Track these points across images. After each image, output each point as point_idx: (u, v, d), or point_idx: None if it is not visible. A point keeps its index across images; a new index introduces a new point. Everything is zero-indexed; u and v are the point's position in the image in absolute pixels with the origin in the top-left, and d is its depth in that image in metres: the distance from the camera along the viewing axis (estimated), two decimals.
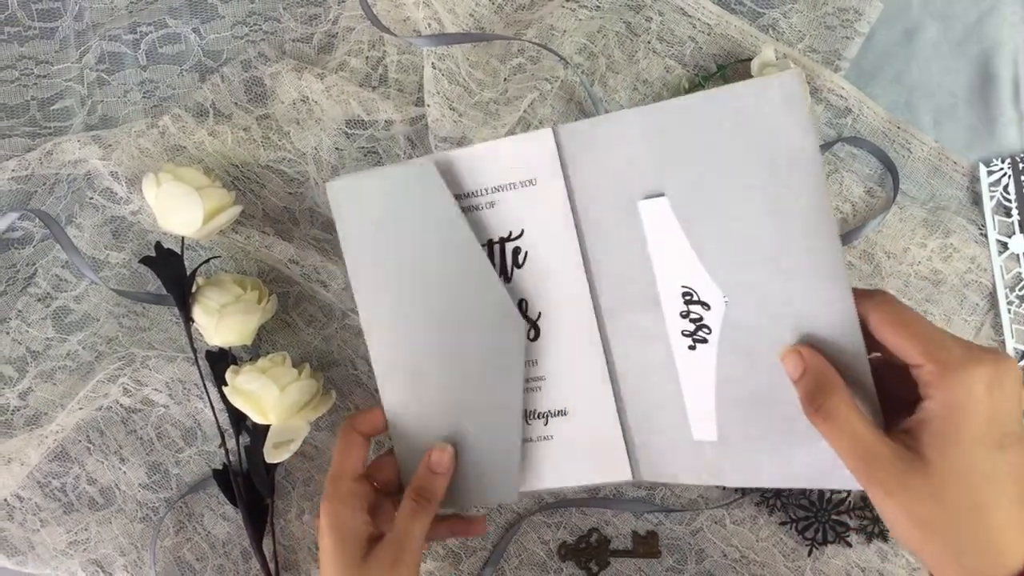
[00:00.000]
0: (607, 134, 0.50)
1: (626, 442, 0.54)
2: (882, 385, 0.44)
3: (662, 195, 0.49)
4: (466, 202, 0.54)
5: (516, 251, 0.55)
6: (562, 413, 0.55)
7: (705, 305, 0.49)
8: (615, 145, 0.50)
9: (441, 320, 0.55)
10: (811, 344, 0.45)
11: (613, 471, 0.55)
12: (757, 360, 0.48)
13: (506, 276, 0.55)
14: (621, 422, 0.54)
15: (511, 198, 0.54)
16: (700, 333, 0.50)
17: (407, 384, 0.57)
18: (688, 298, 0.50)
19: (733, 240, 0.47)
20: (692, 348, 0.50)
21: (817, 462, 0.47)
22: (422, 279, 0.55)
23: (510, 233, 0.54)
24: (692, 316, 0.50)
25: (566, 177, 0.52)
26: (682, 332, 0.50)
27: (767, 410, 0.48)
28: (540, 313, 0.55)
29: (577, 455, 0.55)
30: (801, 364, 0.45)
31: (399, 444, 0.57)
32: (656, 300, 0.51)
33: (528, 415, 0.56)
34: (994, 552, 0.41)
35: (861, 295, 0.44)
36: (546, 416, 0.56)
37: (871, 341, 0.44)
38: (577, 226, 0.53)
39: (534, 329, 0.55)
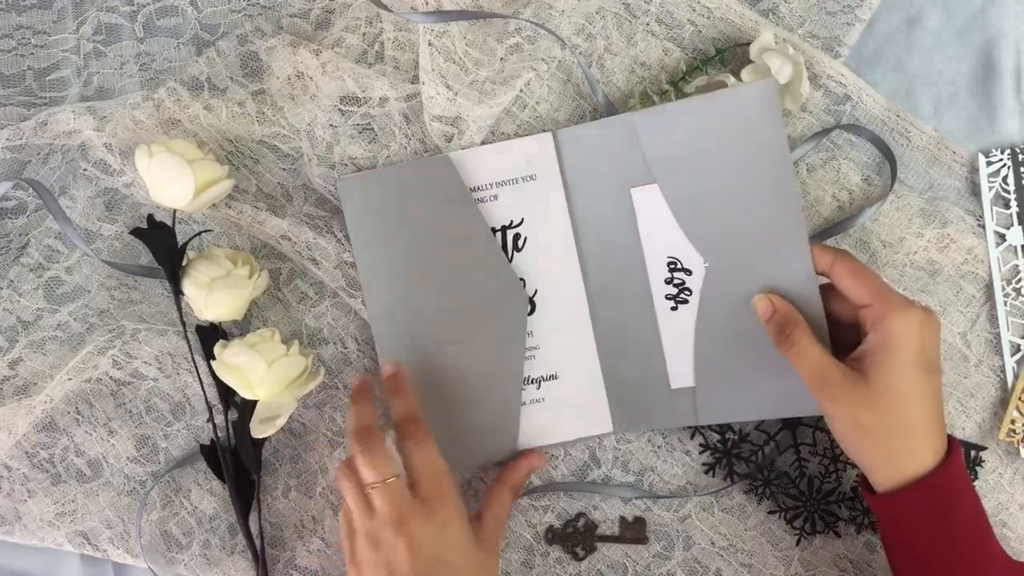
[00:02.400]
0: (600, 135, 0.61)
1: (608, 399, 0.64)
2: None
3: (653, 183, 0.60)
4: (473, 195, 0.63)
5: (516, 237, 0.64)
6: (553, 377, 0.64)
7: (688, 271, 0.61)
8: (608, 145, 0.61)
9: (451, 301, 0.63)
10: (777, 293, 0.57)
11: (597, 425, 0.64)
12: (732, 313, 0.59)
13: (507, 259, 0.64)
14: (604, 381, 0.64)
15: (512, 191, 0.63)
16: (682, 295, 0.61)
17: (413, 356, 0.64)
18: (672, 266, 0.61)
19: (714, 216, 0.59)
20: (674, 309, 0.61)
21: (782, 394, 0.59)
22: (434, 265, 0.63)
23: (511, 221, 0.64)
24: (675, 281, 0.61)
25: (563, 173, 0.63)
26: (665, 296, 0.61)
27: (739, 354, 0.60)
28: (536, 290, 0.64)
29: (566, 413, 0.64)
30: (770, 307, 0.57)
31: None
32: (643, 270, 0.62)
33: (523, 381, 0.64)
34: (916, 454, 0.52)
35: (828, 251, 0.56)
36: (539, 381, 0.64)
37: (828, 295, 0.57)
38: (571, 214, 0.63)
39: (530, 304, 0.64)
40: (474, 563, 0.56)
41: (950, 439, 0.54)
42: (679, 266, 0.60)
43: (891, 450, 0.53)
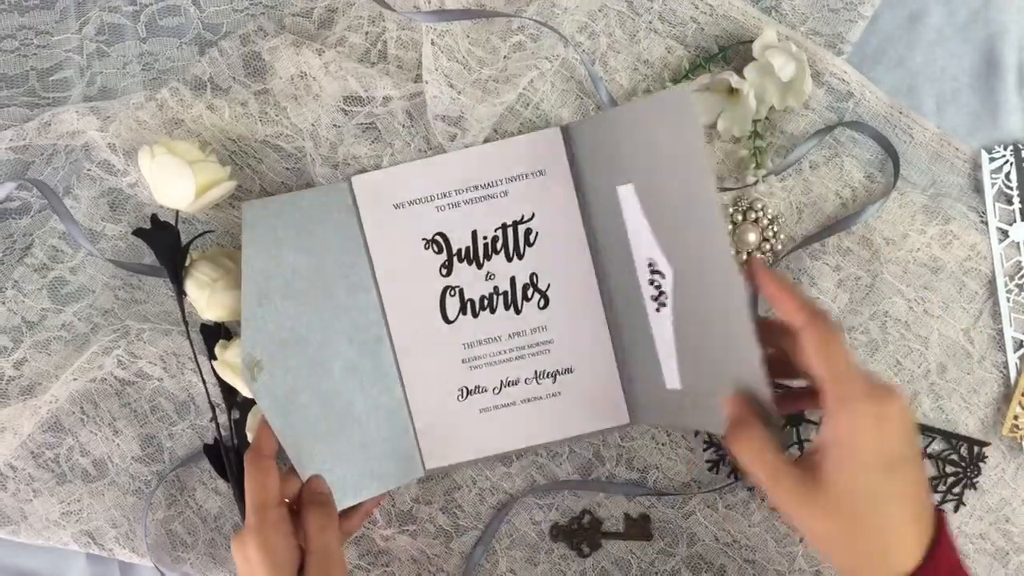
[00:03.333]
0: (596, 132, 0.61)
1: (624, 392, 0.64)
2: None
3: (630, 182, 0.58)
4: (484, 191, 0.64)
5: (528, 232, 0.64)
6: (568, 371, 0.65)
7: (662, 274, 0.57)
8: (602, 142, 0.60)
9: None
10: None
11: (614, 417, 0.65)
12: (703, 322, 0.55)
13: (519, 254, 0.64)
14: (619, 374, 0.64)
15: (523, 187, 0.64)
16: (661, 298, 0.58)
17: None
18: (651, 267, 0.58)
19: (670, 219, 0.55)
20: (658, 311, 0.59)
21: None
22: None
23: (522, 216, 0.64)
24: (655, 283, 0.58)
25: (572, 167, 0.63)
26: (651, 296, 0.59)
27: (713, 365, 0.55)
28: (549, 284, 0.65)
29: (582, 407, 0.65)
30: (727, 410, 0.51)
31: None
32: (634, 269, 0.60)
33: (538, 375, 0.65)
34: (887, 565, 0.46)
35: (804, 311, 0.48)
36: (554, 375, 0.65)
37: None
38: (581, 208, 0.63)
39: (544, 298, 0.65)
40: None
41: (940, 525, 0.47)
42: (656, 268, 0.58)
43: (856, 562, 0.47)
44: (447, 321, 0.64)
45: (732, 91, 0.62)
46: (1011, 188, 0.64)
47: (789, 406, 0.54)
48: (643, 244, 0.58)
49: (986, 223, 0.64)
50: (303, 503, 0.57)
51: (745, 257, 0.64)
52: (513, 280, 0.64)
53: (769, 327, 0.52)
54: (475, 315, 0.64)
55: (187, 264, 0.62)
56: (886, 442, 0.46)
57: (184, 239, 0.63)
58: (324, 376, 0.61)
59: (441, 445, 0.65)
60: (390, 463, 0.64)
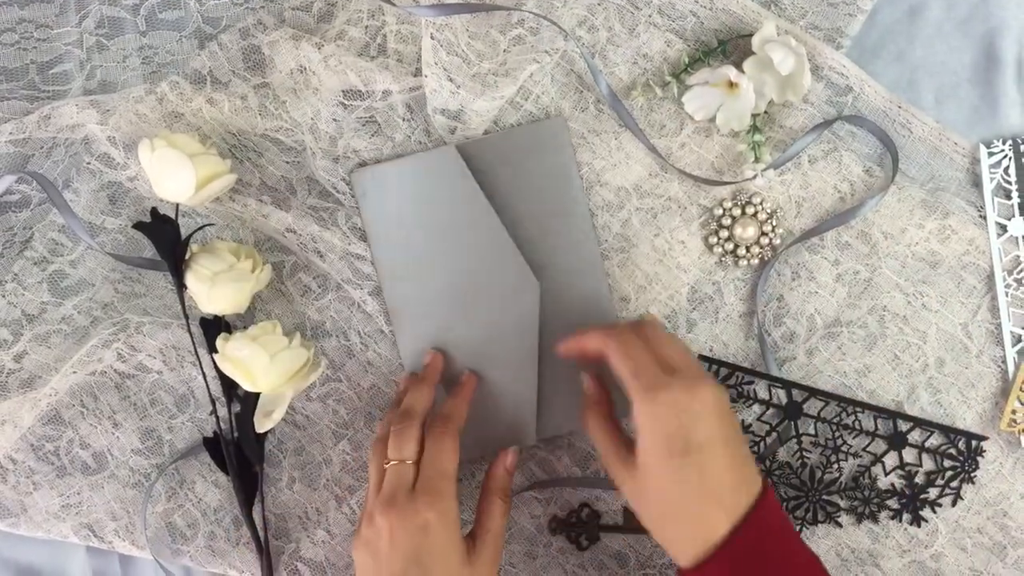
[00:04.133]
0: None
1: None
2: None
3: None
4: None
5: None
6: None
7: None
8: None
9: (464, 294, 0.65)
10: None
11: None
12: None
13: None
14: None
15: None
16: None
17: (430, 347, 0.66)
18: None
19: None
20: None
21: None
22: (446, 257, 0.65)
23: None
24: None
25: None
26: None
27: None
28: None
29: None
30: (587, 384, 0.60)
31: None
32: None
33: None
34: (696, 538, 0.50)
35: (601, 336, 0.55)
36: None
37: None
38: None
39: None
40: None
41: (762, 494, 0.51)
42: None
43: (668, 536, 0.52)
44: None
45: (731, 85, 0.62)
46: (1010, 183, 0.64)
47: None
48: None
49: (984, 218, 0.64)
50: (494, 487, 0.60)
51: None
52: None
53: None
54: None
55: (187, 257, 0.62)
56: (683, 429, 0.50)
57: (184, 232, 0.63)
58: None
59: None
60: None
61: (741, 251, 0.64)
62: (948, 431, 0.65)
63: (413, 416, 0.59)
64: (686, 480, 0.50)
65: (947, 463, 0.65)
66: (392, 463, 0.56)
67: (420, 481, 0.56)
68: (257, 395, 0.62)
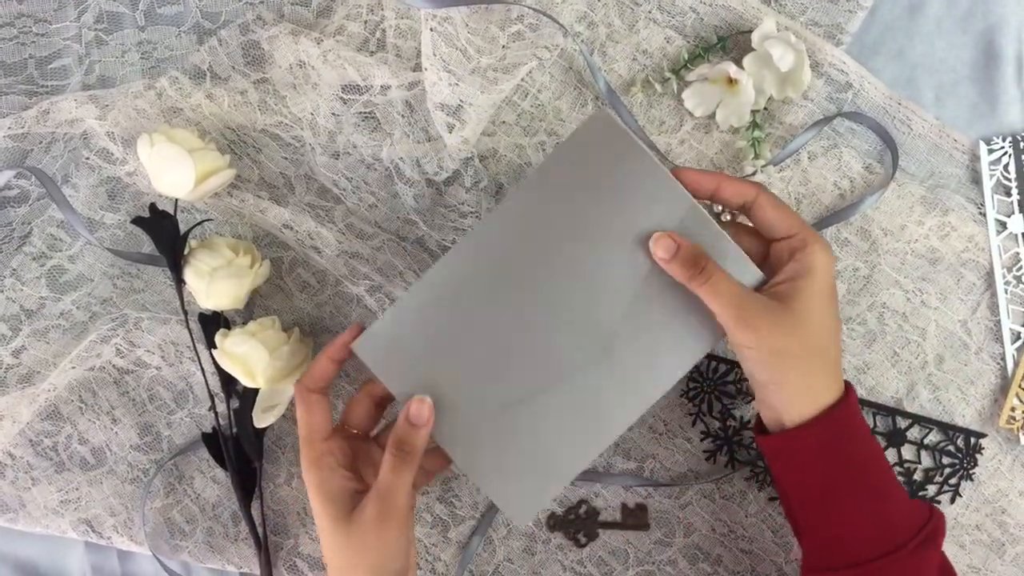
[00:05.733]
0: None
1: None
2: None
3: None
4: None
5: None
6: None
7: None
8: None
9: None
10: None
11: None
12: None
13: None
14: None
15: None
16: None
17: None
18: None
19: None
20: None
21: None
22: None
23: None
24: None
25: None
26: None
27: None
28: None
29: None
30: (673, 244, 0.52)
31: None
32: None
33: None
34: (831, 382, 0.52)
35: (749, 185, 0.54)
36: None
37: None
38: None
39: None
40: (330, 547, 0.54)
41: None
42: None
43: (811, 378, 0.52)
44: None
45: (731, 81, 0.62)
46: (1009, 180, 0.64)
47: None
48: None
49: (984, 214, 0.64)
50: (392, 439, 0.53)
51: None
52: None
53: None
54: None
55: (186, 253, 0.62)
56: (831, 275, 0.53)
57: (183, 228, 0.63)
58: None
59: None
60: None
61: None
62: (947, 428, 0.65)
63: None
64: (836, 328, 0.53)
65: (946, 460, 0.65)
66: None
67: (301, 450, 0.56)
68: (256, 391, 0.62)
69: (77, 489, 0.67)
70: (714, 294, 0.51)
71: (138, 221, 0.61)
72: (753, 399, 0.65)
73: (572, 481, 0.66)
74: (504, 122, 0.65)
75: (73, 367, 0.65)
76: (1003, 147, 0.63)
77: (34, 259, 0.66)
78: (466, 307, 0.55)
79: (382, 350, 0.55)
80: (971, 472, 0.65)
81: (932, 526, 0.52)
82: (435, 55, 0.61)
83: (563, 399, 0.55)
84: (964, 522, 0.65)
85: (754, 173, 0.64)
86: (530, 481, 0.55)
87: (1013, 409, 0.64)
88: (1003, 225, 0.64)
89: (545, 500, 0.56)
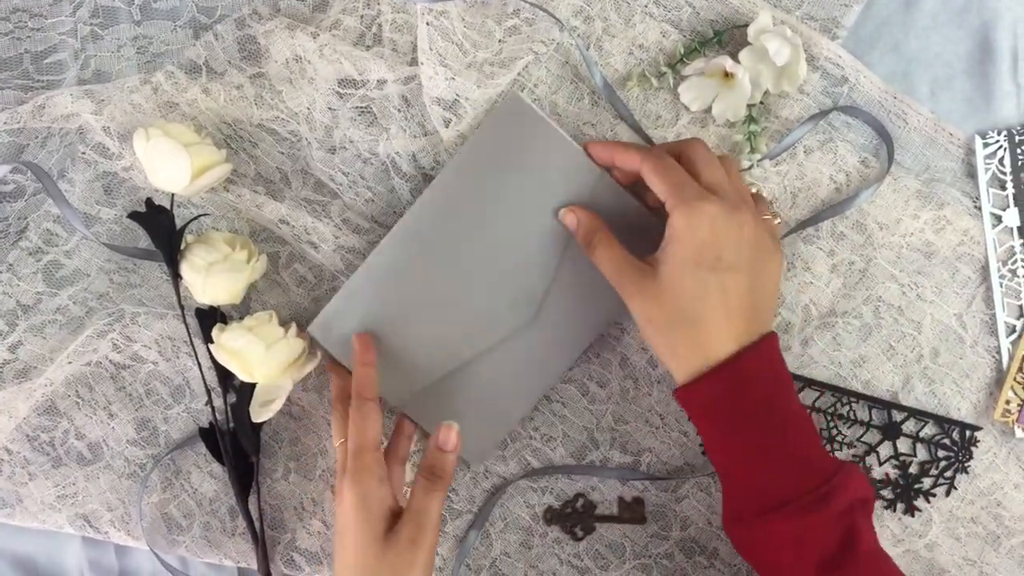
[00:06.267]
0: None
1: None
2: None
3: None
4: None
5: None
6: None
7: None
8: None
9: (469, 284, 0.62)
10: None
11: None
12: None
13: None
14: None
15: None
16: None
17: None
18: None
19: None
20: None
21: None
22: (493, 230, 0.62)
23: None
24: None
25: None
26: None
27: None
28: None
29: None
30: (574, 219, 0.59)
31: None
32: None
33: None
34: (700, 349, 0.52)
35: (633, 150, 0.57)
36: None
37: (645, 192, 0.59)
38: None
39: None
40: (360, 563, 0.55)
41: (771, 334, 0.54)
42: None
43: (674, 344, 0.53)
44: None
45: (727, 75, 0.62)
46: (1004, 173, 0.64)
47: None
48: None
49: (979, 208, 0.64)
50: (424, 464, 0.58)
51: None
52: None
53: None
54: None
55: (182, 248, 0.62)
56: (717, 242, 0.52)
57: (179, 223, 0.63)
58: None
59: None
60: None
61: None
62: (942, 421, 0.65)
63: (338, 399, 0.62)
64: (707, 293, 0.52)
65: (941, 453, 0.65)
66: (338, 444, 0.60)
67: (349, 460, 0.57)
68: (253, 385, 0.62)
69: (74, 484, 0.67)
70: (599, 262, 0.56)
71: (134, 216, 0.61)
72: None
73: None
74: None
75: (70, 362, 0.65)
76: (998, 141, 0.64)
77: (30, 254, 0.66)
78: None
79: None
80: (966, 465, 0.65)
81: (833, 484, 0.51)
82: (431, 49, 0.61)
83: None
84: (960, 515, 0.66)
85: (750, 167, 0.64)
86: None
87: (1008, 402, 0.64)
88: (998, 219, 0.64)
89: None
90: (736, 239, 0.52)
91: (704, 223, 0.52)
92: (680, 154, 0.56)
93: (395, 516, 0.56)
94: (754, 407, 0.52)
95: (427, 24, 0.61)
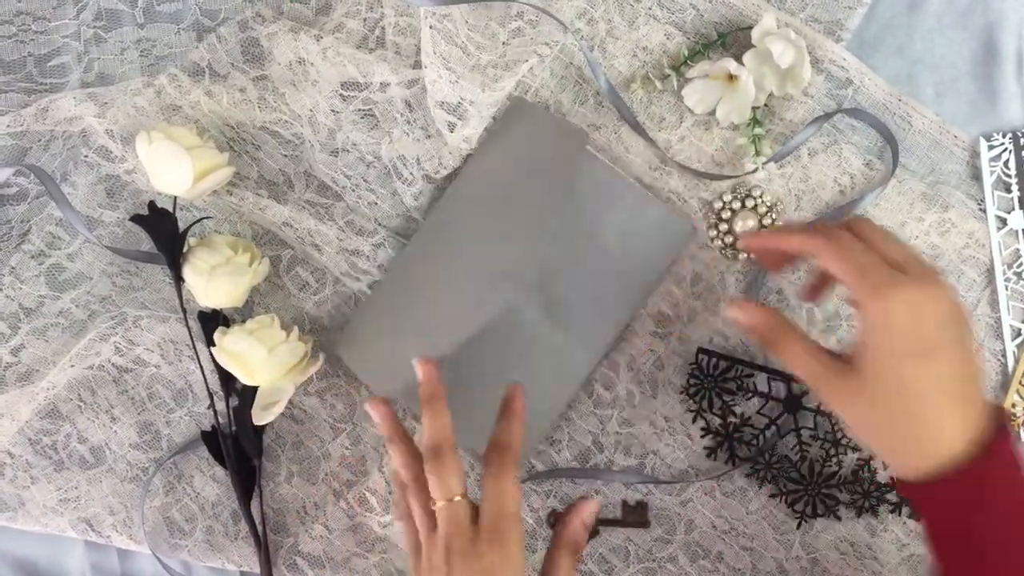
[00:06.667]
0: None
1: None
2: None
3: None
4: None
5: None
6: None
7: None
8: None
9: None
10: None
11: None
12: None
13: None
14: None
15: None
16: None
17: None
18: None
19: None
20: None
21: None
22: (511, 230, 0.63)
23: None
24: None
25: None
26: None
27: None
28: None
29: None
30: (748, 317, 0.53)
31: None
32: None
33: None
34: (924, 447, 0.47)
35: (809, 237, 0.50)
36: None
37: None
38: None
39: None
40: None
41: (1000, 418, 0.47)
42: None
43: (894, 446, 0.49)
44: None
45: (731, 78, 0.62)
46: (1009, 176, 0.64)
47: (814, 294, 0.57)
48: None
49: (984, 211, 0.64)
50: (558, 539, 0.55)
51: (733, 240, 0.65)
52: None
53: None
54: None
55: (185, 251, 0.62)
56: (920, 329, 0.46)
57: (182, 226, 0.63)
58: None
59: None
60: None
61: (741, 244, 0.64)
62: None
63: (444, 448, 0.52)
64: (921, 383, 0.46)
65: None
66: (441, 504, 0.51)
67: (483, 522, 0.51)
68: (255, 389, 0.62)
69: (76, 488, 0.67)
70: (790, 363, 0.51)
71: (137, 219, 0.61)
72: (753, 395, 0.65)
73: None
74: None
75: (72, 365, 0.65)
76: (1003, 143, 0.63)
77: (33, 257, 0.66)
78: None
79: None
80: None
81: None
82: (435, 52, 0.61)
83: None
84: None
85: (755, 170, 0.64)
86: None
87: (1014, 406, 0.64)
88: (1003, 221, 0.64)
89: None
90: (936, 319, 0.47)
91: (901, 309, 0.46)
92: (853, 232, 0.50)
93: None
94: (997, 530, 0.47)
95: (430, 27, 0.61)
